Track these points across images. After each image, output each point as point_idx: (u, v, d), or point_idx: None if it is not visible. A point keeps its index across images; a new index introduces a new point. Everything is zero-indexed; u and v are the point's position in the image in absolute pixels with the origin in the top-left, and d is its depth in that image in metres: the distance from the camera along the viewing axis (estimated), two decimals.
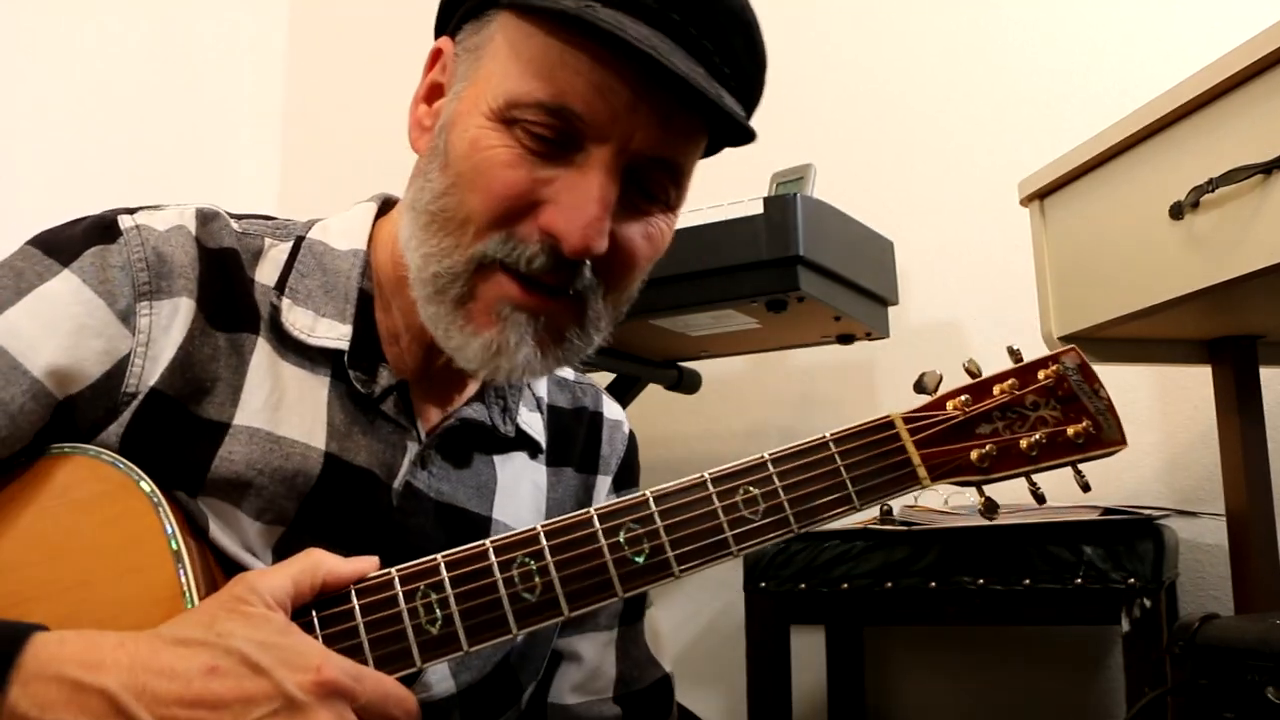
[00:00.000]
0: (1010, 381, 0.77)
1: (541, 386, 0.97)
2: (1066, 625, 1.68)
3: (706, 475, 0.71)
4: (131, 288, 0.77)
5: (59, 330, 0.75)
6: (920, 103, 1.96)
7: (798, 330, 1.66)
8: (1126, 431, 0.78)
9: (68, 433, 0.76)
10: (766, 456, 0.72)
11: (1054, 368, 0.77)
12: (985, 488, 0.76)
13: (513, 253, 0.75)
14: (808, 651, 1.84)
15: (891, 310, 1.70)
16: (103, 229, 0.79)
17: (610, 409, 1.02)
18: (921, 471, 0.73)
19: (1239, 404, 1.32)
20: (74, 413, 0.76)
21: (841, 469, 0.72)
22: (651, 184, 0.78)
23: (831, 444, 0.73)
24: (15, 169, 1.91)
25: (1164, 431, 1.67)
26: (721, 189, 1.58)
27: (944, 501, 1.57)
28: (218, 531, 0.77)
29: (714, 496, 0.70)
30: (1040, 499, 0.78)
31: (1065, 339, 1.31)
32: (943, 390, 0.79)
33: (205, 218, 0.83)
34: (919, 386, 0.78)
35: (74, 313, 0.76)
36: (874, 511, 1.54)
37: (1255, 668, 0.95)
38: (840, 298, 1.53)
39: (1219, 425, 1.34)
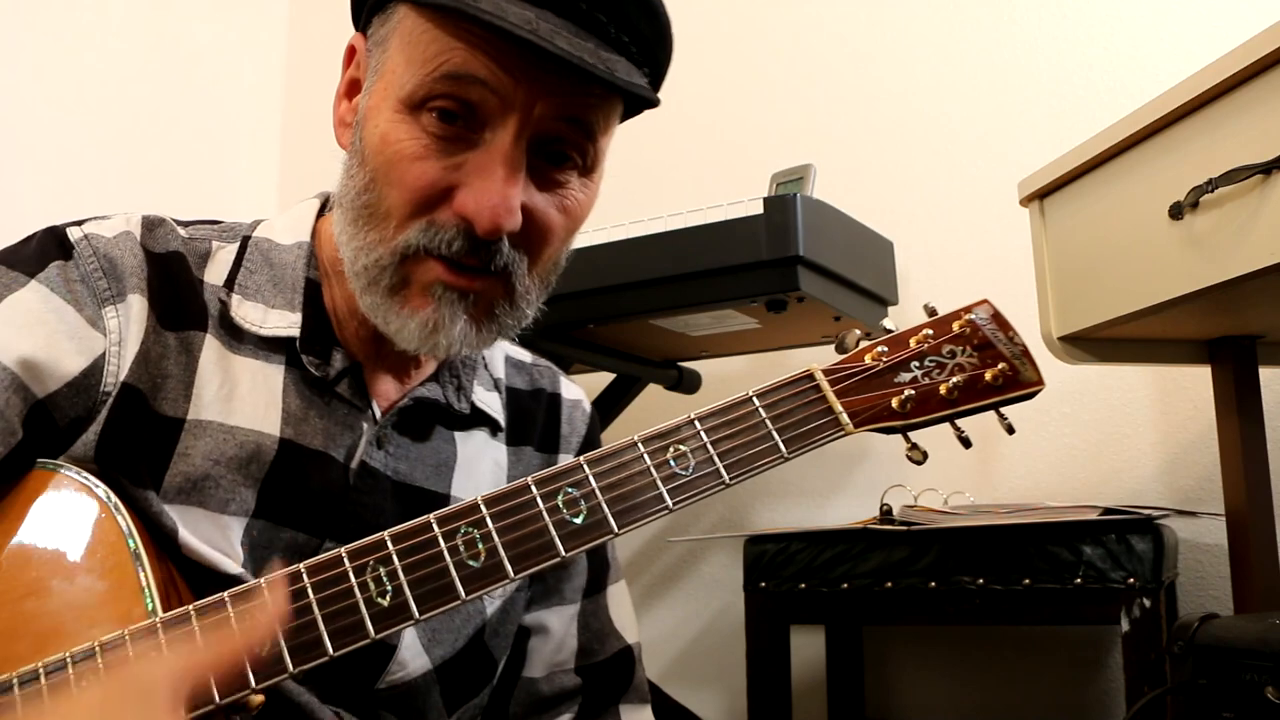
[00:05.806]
0: (926, 332, 0.79)
1: (499, 368, 0.99)
2: (1066, 625, 1.68)
3: (636, 437, 0.72)
4: (94, 296, 0.80)
5: (34, 333, 0.77)
6: (920, 102, 1.96)
7: (798, 330, 1.67)
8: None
9: (47, 439, 0.77)
10: (693, 415, 0.73)
11: (967, 317, 0.80)
12: (912, 436, 0.77)
13: (434, 239, 0.78)
14: (808, 651, 1.84)
15: (891, 310, 1.70)
16: (56, 243, 0.82)
17: (569, 389, 1.04)
18: (844, 418, 0.74)
19: (1238, 404, 1.32)
20: (53, 414, 0.77)
21: (766, 421, 0.73)
22: (565, 146, 0.79)
23: (755, 399, 0.74)
24: (15, 169, 1.91)
25: (1164, 431, 1.67)
26: (721, 189, 1.58)
27: (944, 501, 1.57)
28: (187, 535, 0.77)
29: (645, 456, 0.71)
30: (966, 443, 0.79)
31: (1065, 339, 1.31)
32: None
33: (151, 224, 0.86)
34: (840, 346, 0.79)
35: (46, 318, 0.78)
36: (874, 511, 1.56)
37: (1254, 667, 0.95)
38: (840, 298, 1.53)
39: (1219, 425, 1.34)
